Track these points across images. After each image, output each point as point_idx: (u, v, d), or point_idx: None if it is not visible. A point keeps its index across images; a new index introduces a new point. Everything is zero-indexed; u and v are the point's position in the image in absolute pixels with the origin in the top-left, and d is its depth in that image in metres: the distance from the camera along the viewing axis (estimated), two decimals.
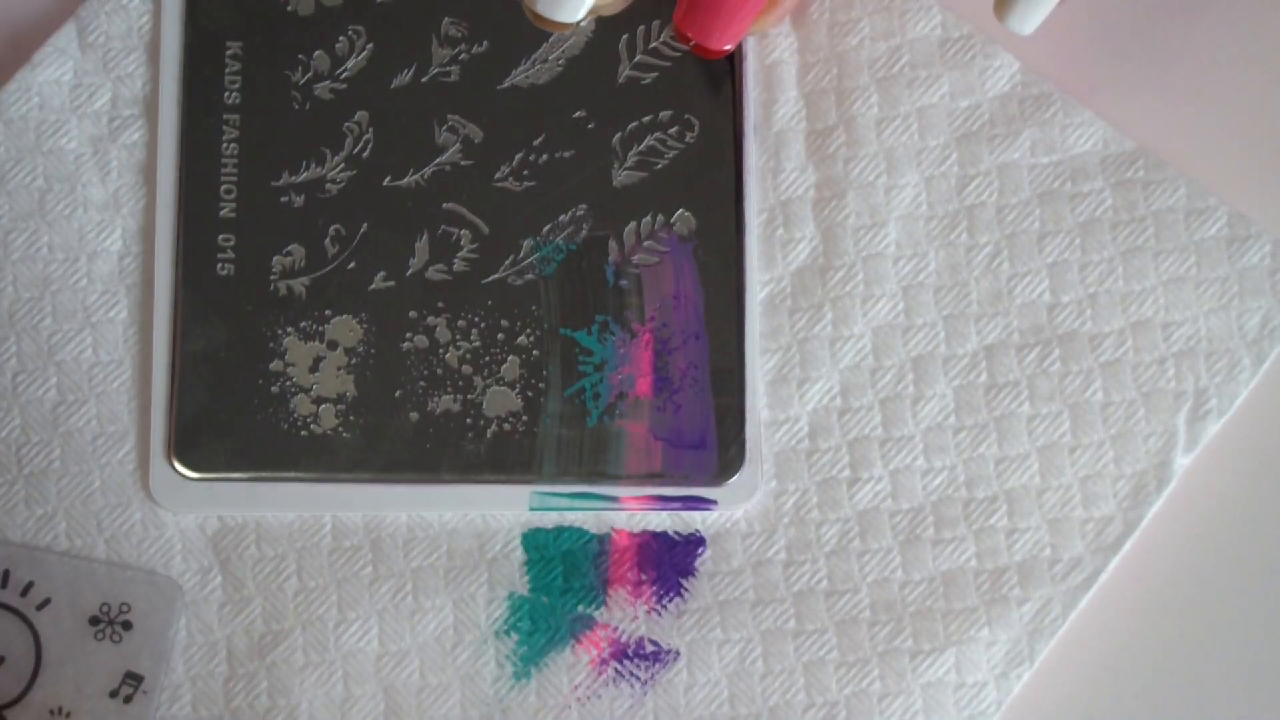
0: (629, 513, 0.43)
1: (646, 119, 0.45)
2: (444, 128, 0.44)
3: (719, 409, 0.43)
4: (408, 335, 0.44)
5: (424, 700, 0.42)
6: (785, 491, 0.43)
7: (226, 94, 0.44)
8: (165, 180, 0.44)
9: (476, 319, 0.44)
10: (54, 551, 0.43)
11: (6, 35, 0.45)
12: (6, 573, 0.42)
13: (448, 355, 0.43)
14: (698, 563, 0.43)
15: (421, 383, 0.43)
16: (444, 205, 0.44)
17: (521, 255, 0.44)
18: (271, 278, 0.44)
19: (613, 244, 0.44)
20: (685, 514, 0.43)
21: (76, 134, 0.44)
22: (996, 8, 0.40)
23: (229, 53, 0.45)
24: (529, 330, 0.44)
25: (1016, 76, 0.45)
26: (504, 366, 0.43)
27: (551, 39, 0.45)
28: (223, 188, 0.44)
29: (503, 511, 0.43)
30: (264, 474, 0.43)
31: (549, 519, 0.43)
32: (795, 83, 0.45)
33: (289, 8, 0.45)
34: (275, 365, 0.43)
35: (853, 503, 0.43)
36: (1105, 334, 0.44)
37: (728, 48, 0.41)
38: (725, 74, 0.45)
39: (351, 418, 0.43)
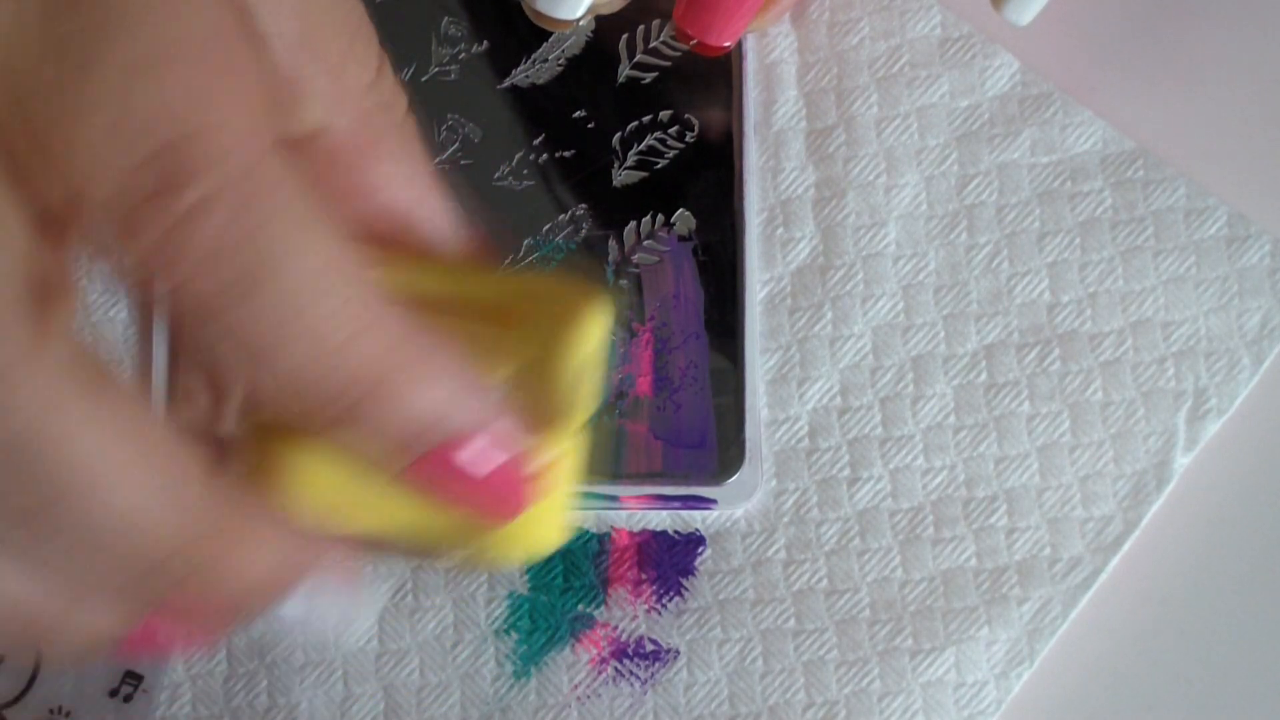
0: (629, 512, 0.43)
1: (646, 119, 0.45)
2: (444, 127, 0.44)
3: (719, 408, 0.43)
4: None
5: (424, 699, 0.42)
6: (785, 491, 0.43)
7: None
8: None
9: None
10: None
11: None
12: None
13: None
14: (697, 562, 0.43)
15: None
16: None
17: (521, 254, 0.44)
18: None
19: (612, 243, 0.44)
20: (685, 513, 0.43)
21: None
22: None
23: None
24: None
25: (1016, 76, 0.45)
26: None
27: (551, 38, 0.45)
28: None
29: None
30: None
31: None
32: (795, 82, 0.45)
33: None
34: None
35: (853, 502, 0.43)
36: (1105, 334, 0.43)
37: (728, 44, 0.41)
38: (725, 74, 0.45)
39: None
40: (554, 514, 0.28)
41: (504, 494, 0.25)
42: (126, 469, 0.22)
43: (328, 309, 0.23)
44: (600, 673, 0.42)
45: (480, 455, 0.25)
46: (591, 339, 0.29)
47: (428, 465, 0.24)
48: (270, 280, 0.22)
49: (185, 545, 0.23)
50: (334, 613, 0.25)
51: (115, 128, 0.21)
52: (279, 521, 0.24)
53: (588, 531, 0.43)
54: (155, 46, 0.22)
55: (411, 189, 0.29)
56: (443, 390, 0.24)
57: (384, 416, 0.23)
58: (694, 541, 0.43)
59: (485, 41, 0.45)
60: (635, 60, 0.45)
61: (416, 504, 0.26)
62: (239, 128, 0.22)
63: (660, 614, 0.43)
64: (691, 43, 0.41)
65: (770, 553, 0.43)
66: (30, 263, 0.22)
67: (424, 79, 0.45)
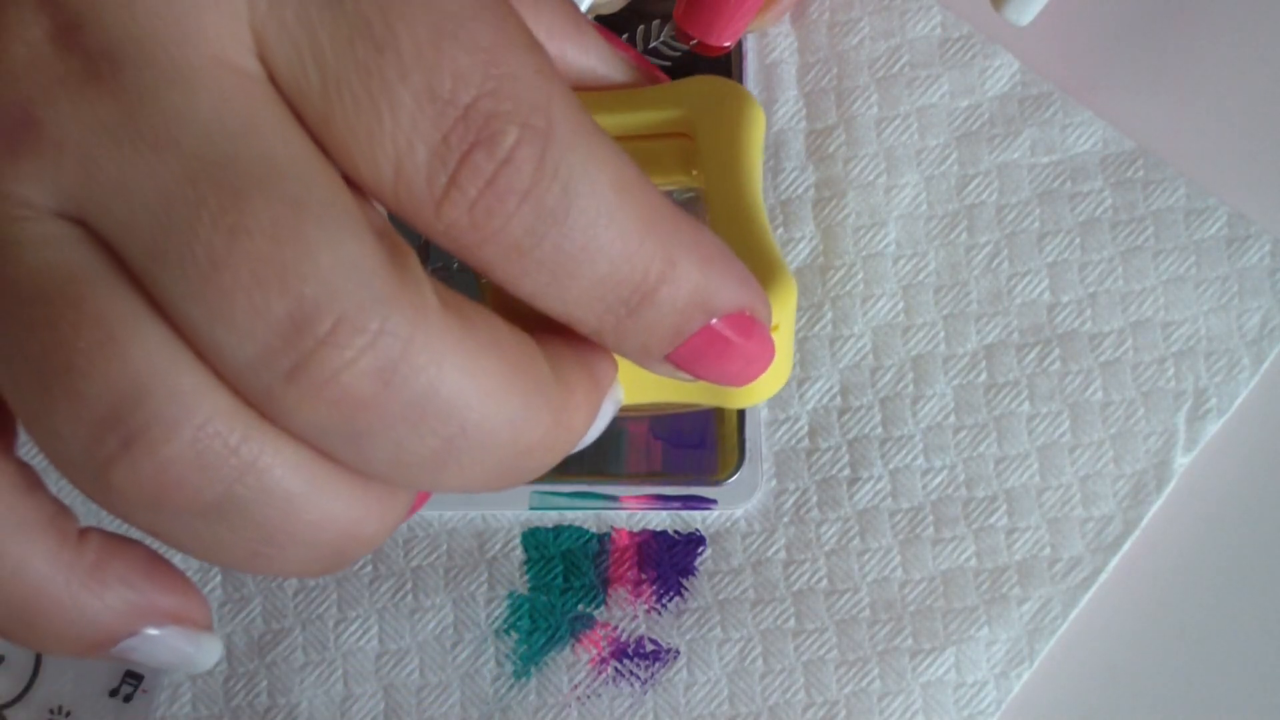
0: (629, 512, 0.43)
1: None
2: None
3: (718, 408, 0.43)
4: None
5: (424, 699, 0.42)
6: (785, 491, 0.43)
7: None
8: None
9: None
10: None
11: None
12: None
13: None
14: (698, 562, 0.43)
15: None
16: None
17: None
18: None
19: None
20: (685, 513, 0.43)
21: None
22: None
23: None
24: None
25: (1016, 76, 0.45)
26: None
27: None
28: None
29: (502, 510, 0.43)
30: None
31: (549, 518, 0.43)
32: (795, 82, 0.45)
33: None
34: None
35: (853, 502, 0.43)
36: (1105, 333, 0.44)
37: (728, 44, 0.41)
38: (725, 74, 0.45)
39: None
40: (784, 355, 0.29)
41: (757, 354, 0.26)
42: (507, 383, 0.23)
43: (623, 220, 0.24)
44: (600, 673, 0.42)
45: (743, 324, 0.26)
46: (761, 126, 0.32)
47: (697, 342, 0.25)
48: (573, 209, 0.23)
49: (548, 429, 0.24)
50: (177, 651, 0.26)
51: (427, 92, 0.22)
52: (586, 384, 0.26)
53: (587, 531, 0.43)
54: (448, 10, 0.23)
55: (567, 30, 0.30)
56: (712, 268, 0.25)
57: (665, 304, 0.24)
58: (694, 541, 0.43)
59: None
60: None
61: (667, 379, 0.27)
62: (528, 71, 0.23)
63: (660, 614, 0.43)
64: (691, 43, 0.41)
65: (770, 553, 0.43)
66: (370, 219, 0.23)
67: None
